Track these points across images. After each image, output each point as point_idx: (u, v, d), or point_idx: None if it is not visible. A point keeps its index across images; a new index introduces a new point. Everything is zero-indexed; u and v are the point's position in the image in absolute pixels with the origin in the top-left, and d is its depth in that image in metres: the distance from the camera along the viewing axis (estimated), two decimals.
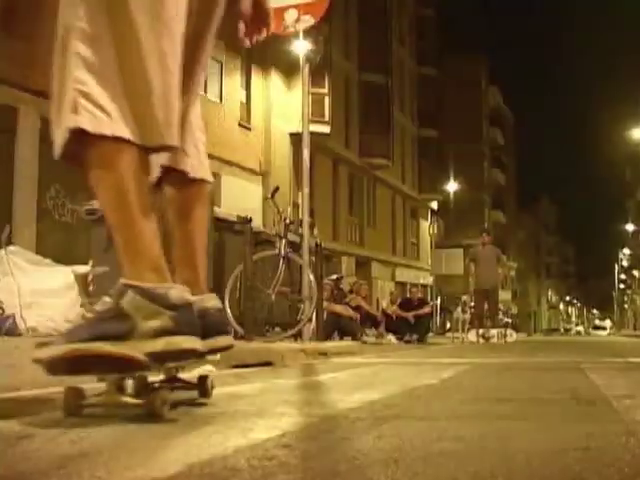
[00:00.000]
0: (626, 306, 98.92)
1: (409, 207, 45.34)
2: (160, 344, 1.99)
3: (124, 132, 2.03)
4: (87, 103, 2.03)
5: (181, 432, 1.93)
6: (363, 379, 4.11)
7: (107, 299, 2.07)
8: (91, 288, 8.11)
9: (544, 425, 2.18)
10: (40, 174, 15.04)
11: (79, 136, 2.04)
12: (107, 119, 2.03)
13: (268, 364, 5.41)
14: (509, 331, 17.49)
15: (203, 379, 2.48)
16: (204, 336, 2.14)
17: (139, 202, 2.02)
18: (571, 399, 2.91)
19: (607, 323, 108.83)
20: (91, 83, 2.04)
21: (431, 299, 28.92)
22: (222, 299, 7.80)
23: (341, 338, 12.99)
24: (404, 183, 43.94)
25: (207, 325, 2.23)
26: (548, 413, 2.48)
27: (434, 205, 48.32)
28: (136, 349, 1.98)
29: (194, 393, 2.47)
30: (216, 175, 21.84)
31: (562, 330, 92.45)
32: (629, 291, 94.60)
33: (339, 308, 13.44)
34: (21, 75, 14.55)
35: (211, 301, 2.40)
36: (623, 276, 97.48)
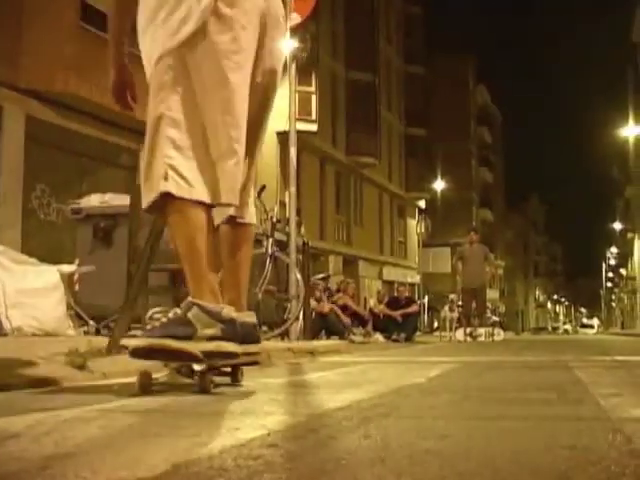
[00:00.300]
0: (614, 305, 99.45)
1: (396, 206, 45.40)
2: (211, 346, 2.79)
3: (200, 196, 2.82)
4: (174, 174, 2.80)
5: (168, 432, 1.94)
6: (350, 378, 4.11)
7: (178, 311, 2.87)
8: (77, 287, 8.09)
9: (531, 424, 2.19)
10: (25, 173, 14.98)
11: (166, 197, 2.81)
12: (187, 186, 2.80)
13: (255, 363, 5.41)
14: (497, 330, 17.55)
15: (235, 369, 3.24)
16: (241, 343, 2.88)
17: (203, 246, 2.82)
18: (558, 398, 2.93)
19: (595, 322, 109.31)
20: (177, 158, 2.81)
21: (419, 298, 28.98)
22: None
23: (328, 337, 12.99)
24: (391, 182, 43.99)
25: (244, 335, 2.94)
26: (535, 412, 2.49)
27: (422, 204, 48.39)
28: (195, 347, 2.78)
29: (227, 379, 3.21)
30: None
31: (550, 329, 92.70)
32: (616, 290, 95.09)
33: (327, 308, 13.44)
34: (6, 73, 14.49)
35: (248, 317, 3.07)
36: (611, 275, 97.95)
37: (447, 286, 35.87)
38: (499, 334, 17.06)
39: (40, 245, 14.11)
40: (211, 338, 2.81)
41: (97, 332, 8.03)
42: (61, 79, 14.90)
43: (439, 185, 47.54)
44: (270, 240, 8.41)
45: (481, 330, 16.37)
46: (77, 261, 7.98)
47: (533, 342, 17.20)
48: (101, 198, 8.78)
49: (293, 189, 9.30)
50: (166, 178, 2.80)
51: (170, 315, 2.90)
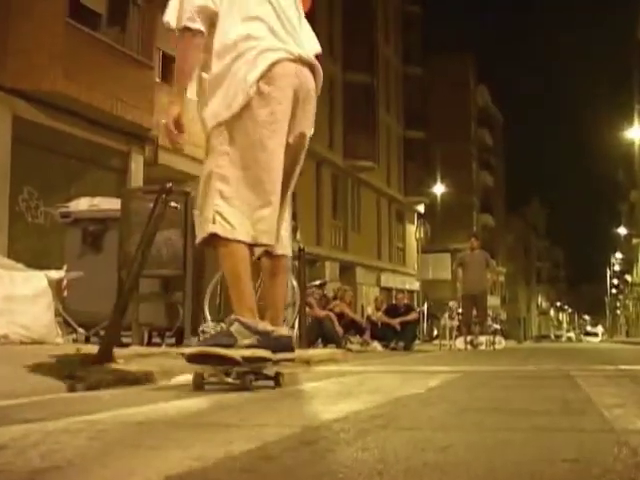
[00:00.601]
0: (618, 312, 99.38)
1: (395, 210, 45.42)
2: (249, 352, 3.59)
3: (242, 237, 3.68)
4: (220, 219, 3.68)
5: (161, 444, 1.93)
6: (347, 388, 4.10)
7: (223, 325, 3.70)
8: (65, 294, 8.07)
9: (532, 436, 2.18)
10: (12, 175, 14.95)
11: (214, 236, 3.69)
12: (231, 229, 3.67)
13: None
14: (498, 338, 17.55)
15: (277, 375, 3.90)
16: (277, 351, 3.73)
17: (246, 276, 3.66)
18: (560, 408, 2.93)
19: (599, 329, 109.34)
20: (223, 206, 3.68)
21: (418, 305, 28.94)
22: (201, 306, 7.79)
23: (325, 345, 12.97)
24: (390, 186, 44.01)
25: (280, 344, 3.75)
26: (537, 423, 2.48)
27: (421, 208, 48.41)
28: (236, 354, 3.57)
29: (271, 382, 3.86)
30: (196, 177, 21.79)
31: (553, 337, 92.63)
32: (621, 296, 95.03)
33: (323, 314, 13.43)
34: None
35: (283, 330, 3.91)
36: (615, 281, 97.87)
37: (447, 293, 35.80)
38: (500, 342, 17.07)
39: (27, 250, 14.08)
40: (249, 346, 3.60)
41: (86, 340, 8.02)
42: (49, 78, 14.87)
43: (439, 189, 47.59)
44: None
45: (482, 338, 16.36)
46: (65, 267, 7.96)
47: (535, 350, 17.21)
48: (90, 202, 8.77)
49: (288, 193, 9.27)
50: (214, 222, 3.70)
51: (217, 329, 3.75)
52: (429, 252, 34.20)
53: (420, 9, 48.73)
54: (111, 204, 8.39)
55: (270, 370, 3.82)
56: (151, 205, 5.08)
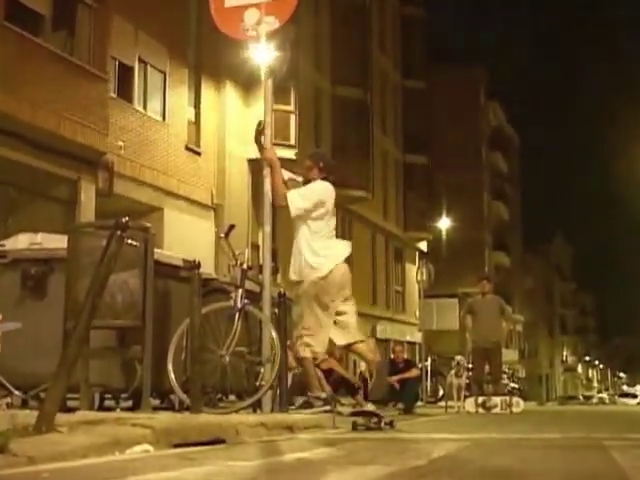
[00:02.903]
0: None
1: (393, 248, 45.49)
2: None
3: (320, 355, 8.19)
4: (305, 348, 8.01)
5: None
6: (335, 460, 4.08)
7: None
8: None
9: None
10: None
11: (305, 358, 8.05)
12: (315, 352, 7.99)
13: (220, 442, 5.37)
14: (515, 399, 17.48)
15: (391, 421, 7.85)
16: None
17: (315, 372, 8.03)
18: None
19: (638, 389, 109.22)
20: (308, 339, 8.02)
21: (420, 360, 28.93)
22: (165, 360, 7.74)
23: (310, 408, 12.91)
24: (386, 219, 44.13)
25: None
26: None
27: (423, 246, 48.54)
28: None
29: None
30: (158, 210, 21.80)
31: (581, 398, 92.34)
32: None
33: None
34: None
35: (323, 395, 8.16)
36: None
37: (454, 346, 35.73)
38: (518, 404, 17.00)
39: None
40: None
41: (24, 404, 7.94)
42: None
43: (444, 223, 47.74)
44: (240, 291, 8.36)
45: (496, 400, 16.31)
46: (0, 316, 7.91)
47: (560, 414, 17.18)
48: (31, 239, 8.73)
49: (268, 228, 9.29)
50: (304, 351, 7.92)
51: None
52: (433, 297, 34.21)
53: (423, 12, 49.06)
54: (57, 242, 8.35)
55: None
56: (104, 243, 5.07)
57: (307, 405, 8.26)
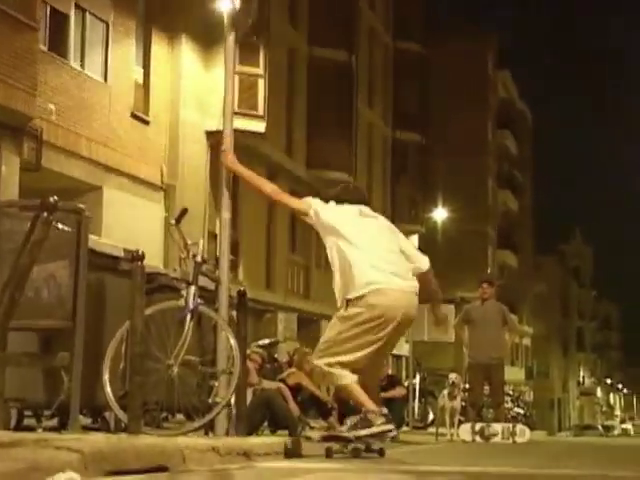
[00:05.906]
0: None
1: None
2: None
3: (353, 379, 8.17)
4: (333, 370, 8.25)
5: None
6: None
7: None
8: None
9: None
10: None
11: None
12: (339, 375, 8.29)
13: (162, 469, 5.37)
14: (520, 427, 17.56)
15: (382, 450, 8.16)
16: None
17: (360, 391, 8.19)
18: None
19: None
20: (333, 362, 8.25)
21: (406, 377, 28.99)
22: (99, 370, 7.71)
23: (273, 431, 12.94)
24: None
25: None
26: None
27: (414, 240, 48.64)
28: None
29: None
30: (96, 188, 21.69)
31: (600, 428, 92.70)
32: None
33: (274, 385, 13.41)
34: None
35: (384, 410, 8.32)
36: None
37: (448, 361, 35.84)
38: (523, 433, 17.08)
39: None
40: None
41: None
42: None
43: (440, 214, 47.76)
44: (192, 288, 8.35)
45: (497, 427, 16.38)
46: None
47: (575, 446, 17.25)
48: None
49: (227, 215, 9.30)
50: (330, 373, 8.28)
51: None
52: (424, 302, 34.22)
53: None
54: None
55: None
56: (28, 226, 5.05)
57: (364, 423, 7.90)
